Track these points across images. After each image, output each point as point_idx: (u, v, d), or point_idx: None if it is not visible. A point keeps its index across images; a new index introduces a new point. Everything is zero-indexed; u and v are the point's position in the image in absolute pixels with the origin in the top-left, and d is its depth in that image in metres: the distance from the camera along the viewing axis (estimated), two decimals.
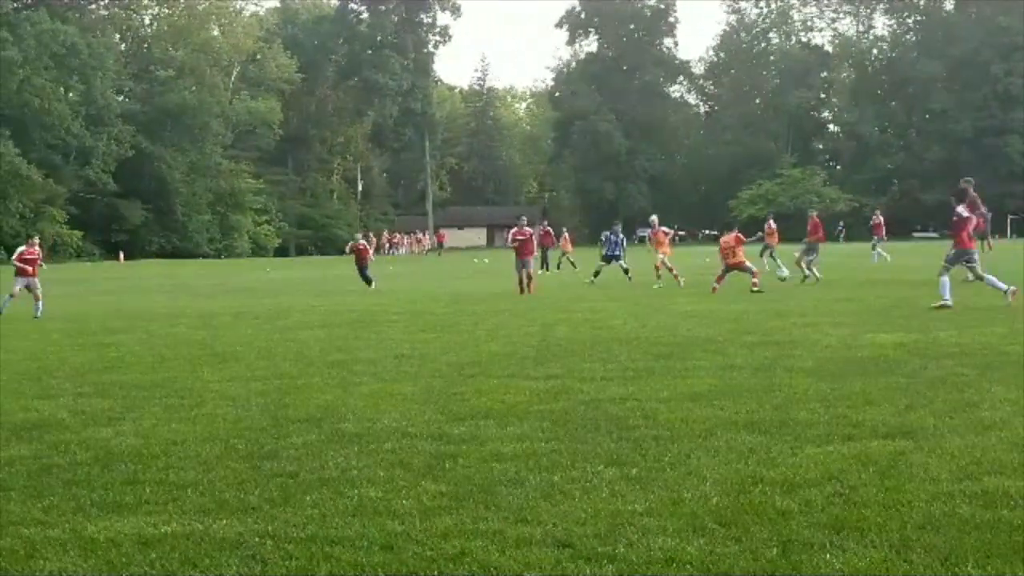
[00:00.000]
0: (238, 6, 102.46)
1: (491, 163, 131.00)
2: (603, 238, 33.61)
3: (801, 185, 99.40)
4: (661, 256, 29.47)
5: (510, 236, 28.41)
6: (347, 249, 34.47)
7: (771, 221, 35.24)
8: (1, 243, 72.75)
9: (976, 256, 19.56)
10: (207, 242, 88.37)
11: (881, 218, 43.57)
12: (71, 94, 79.20)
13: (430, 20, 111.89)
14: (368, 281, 31.29)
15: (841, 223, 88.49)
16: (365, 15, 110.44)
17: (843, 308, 19.05)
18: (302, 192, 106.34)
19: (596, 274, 31.79)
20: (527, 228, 27.77)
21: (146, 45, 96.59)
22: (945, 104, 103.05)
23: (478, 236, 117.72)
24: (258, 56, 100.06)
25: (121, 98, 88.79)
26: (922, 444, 7.29)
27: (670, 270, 28.69)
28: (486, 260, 55.31)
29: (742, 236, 25.68)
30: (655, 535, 5.41)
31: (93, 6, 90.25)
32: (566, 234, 46.95)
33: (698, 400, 9.41)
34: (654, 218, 32.45)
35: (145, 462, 7.44)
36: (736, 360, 12.07)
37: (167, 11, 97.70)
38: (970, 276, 19.80)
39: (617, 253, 32.40)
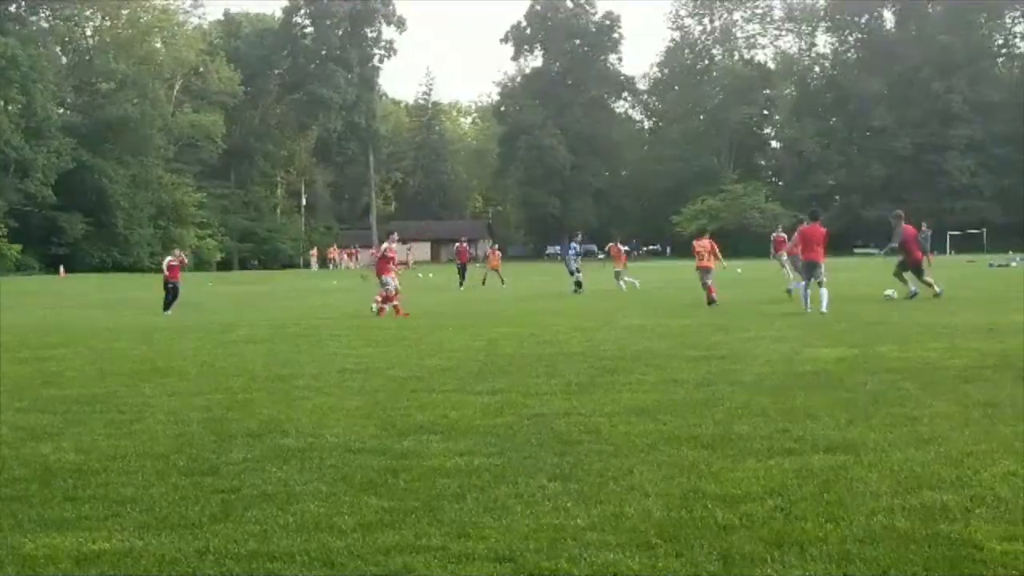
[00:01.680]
0: (181, 19, 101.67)
1: (436, 177, 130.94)
2: (571, 250, 34.19)
3: (744, 200, 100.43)
4: (618, 269, 32.83)
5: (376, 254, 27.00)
6: (164, 267, 30.01)
7: (779, 231, 35.86)
8: None
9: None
10: (149, 256, 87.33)
11: (784, 235, 43.53)
12: (11, 106, 78.12)
13: (375, 34, 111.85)
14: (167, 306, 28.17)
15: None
16: (310, 29, 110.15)
17: (785, 323, 19.23)
18: (245, 206, 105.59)
19: (579, 284, 32.63)
20: (392, 246, 26.45)
21: (88, 57, 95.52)
22: (886, 121, 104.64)
23: (423, 251, 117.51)
24: (201, 69, 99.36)
25: (62, 111, 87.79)
26: (863, 458, 7.37)
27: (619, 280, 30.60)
28: (431, 275, 55.23)
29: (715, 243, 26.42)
30: (598, 549, 5.43)
31: (34, 18, 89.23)
32: (493, 249, 46.81)
33: (641, 414, 9.45)
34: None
35: (85, 478, 7.34)
36: (679, 374, 12.15)
37: (109, 23, 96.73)
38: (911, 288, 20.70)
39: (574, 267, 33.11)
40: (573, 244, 34.98)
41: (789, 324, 18.90)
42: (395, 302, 24.57)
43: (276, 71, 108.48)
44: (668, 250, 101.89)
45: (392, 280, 24.84)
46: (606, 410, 9.74)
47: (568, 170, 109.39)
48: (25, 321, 26.46)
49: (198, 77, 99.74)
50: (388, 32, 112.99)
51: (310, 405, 10.58)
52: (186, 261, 28.45)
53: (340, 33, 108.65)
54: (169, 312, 27.54)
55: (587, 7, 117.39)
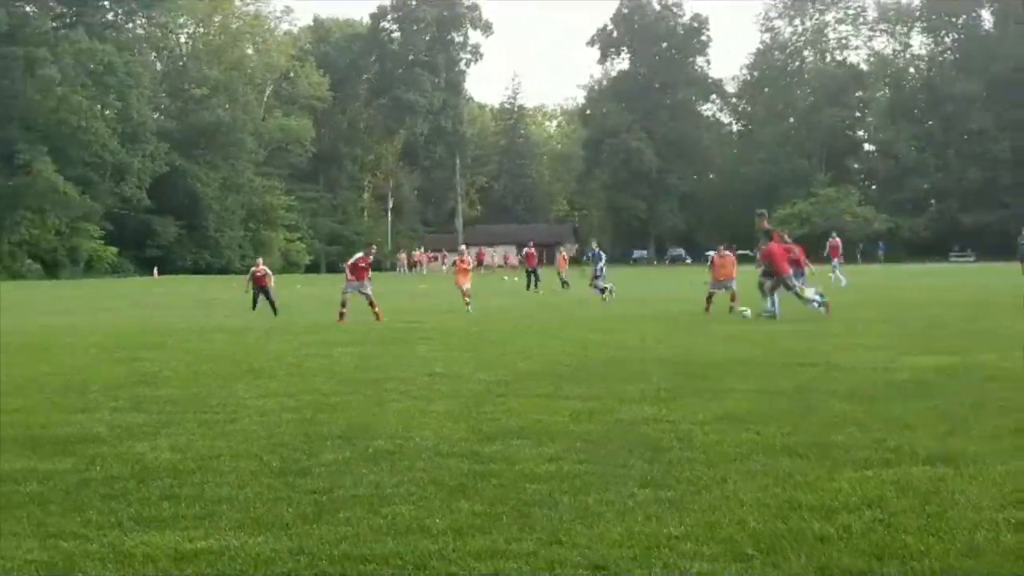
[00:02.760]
0: (272, 25, 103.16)
1: (521, 181, 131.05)
2: (589, 255, 33.98)
3: (835, 205, 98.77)
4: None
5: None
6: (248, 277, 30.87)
7: (834, 236, 35.62)
8: (39, 258, 73.50)
9: (790, 281, 21.78)
10: (239, 258, 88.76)
11: (838, 240, 42.93)
12: (108, 112, 79.91)
13: (461, 39, 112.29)
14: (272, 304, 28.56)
15: (861, 245, 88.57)
16: (397, 34, 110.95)
17: (879, 330, 18.89)
18: (333, 209, 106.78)
19: (603, 291, 32.14)
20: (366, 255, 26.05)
21: (181, 63, 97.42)
22: (984, 123, 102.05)
23: (509, 254, 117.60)
24: (291, 74, 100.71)
25: (156, 116, 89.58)
26: (963, 470, 7.19)
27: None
28: (516, 279, 55.26)
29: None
30: (692, 559, 5.35)
31: (130, 25, 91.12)
32: (563, 253, 46.65)
33: (733, 422, 9.33)
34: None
35: (181, 477, 7.45)
36: (771, 382, 11.98)
37: (202, 30, 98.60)
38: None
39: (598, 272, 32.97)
40: (601, 252, 34.56)
41: (883, 331, 18.56)
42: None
43: (364, 76, 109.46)
44: (757, 255, 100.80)
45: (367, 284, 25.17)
46: (697, 417, 9.63)
47: (654, 173, 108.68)
48: (120, 321, 27.02)
49: (288, 82, 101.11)
50: (475, 36, 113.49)
51: (399, 408, 10.62)
52: (268, 272, 29.30)
53: (427, 38, 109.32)
54: (263, 312, 28.18)
55: (675, 9, 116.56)
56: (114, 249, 78.88)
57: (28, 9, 72.98)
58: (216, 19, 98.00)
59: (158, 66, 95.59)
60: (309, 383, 12.81)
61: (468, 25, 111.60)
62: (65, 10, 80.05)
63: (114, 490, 7.11)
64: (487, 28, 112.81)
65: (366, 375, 13.61)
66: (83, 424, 9.88)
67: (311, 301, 36.16)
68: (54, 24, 76.52)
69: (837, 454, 7.85)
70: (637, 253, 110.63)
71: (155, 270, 77.21)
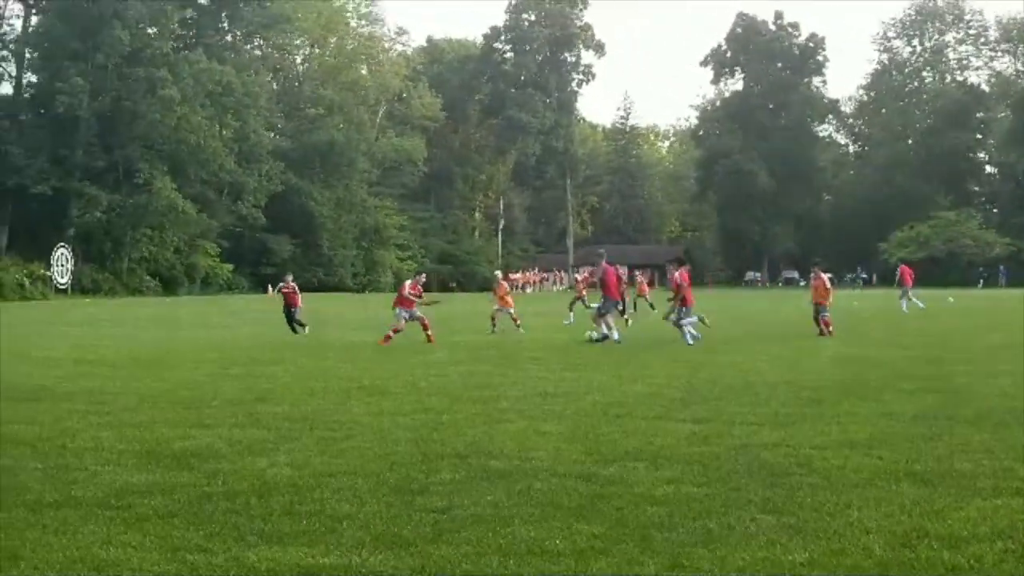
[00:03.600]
0: (386, 46, 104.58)
1: (632, 202, 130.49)
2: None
3: (956, 228, 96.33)
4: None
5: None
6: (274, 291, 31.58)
7: (906, 264, 35.11)
8: (157, 275, 75.37)
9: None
10: (351, 276, 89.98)
11: (909, 268, 41.74)
12: (225, 131, 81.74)
13: (574, 59, 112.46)
14: (299, 325, 28.72)
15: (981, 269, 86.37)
16: (510, 54, 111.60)
17: (1003, 356, 18.35)
18: (444, 228, 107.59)
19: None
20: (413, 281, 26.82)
21: (297, 84, 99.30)
22: None
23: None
24: (404, 94, 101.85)
25: (272, 135, 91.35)
26: None
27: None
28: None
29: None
30: None
31: (248, 46, 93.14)
32: (640, 277, 46.18)
33: (854, 448, 9.14)
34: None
35: (301, 493, 7.53)
36: (892, 407, 11.72)
37: (318, 51, 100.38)
38: None
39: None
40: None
41: (1007, 357, 18.01)
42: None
43: (476, 96, 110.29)
44: (873, 278, 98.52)
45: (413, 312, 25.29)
46: (816, 442, 9.45)
47: (768, 195, 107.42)
48: (235, 338, 27.56)
49: (401, 103, 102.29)
50: (587, 57, 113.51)
51: (513, 428, 10.62)
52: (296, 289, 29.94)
53: (540, 58, 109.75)
54: (299, 331, 28.35)
55: (790, 29, 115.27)
56: (230, 266, 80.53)
57: (150, 31, 74.90)
58: (331, 40, 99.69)
59: (274, 86, 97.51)
60: (422, 401, 12.89)
61: (580, 45, 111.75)
62: (185, 32, 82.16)
63: (236, 505, 7.21)
64: (599, 48, 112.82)
65: (478, 393, 13.65)
66: (202, 439, 10.05)
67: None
68: (175, 45, 78.54)
69: (964, 482, 7.64)
70: (750, 275, 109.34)
71: (268, 287, 78.59)
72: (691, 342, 22.10)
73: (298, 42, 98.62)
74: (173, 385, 15.03)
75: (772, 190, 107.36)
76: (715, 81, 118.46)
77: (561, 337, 25.77)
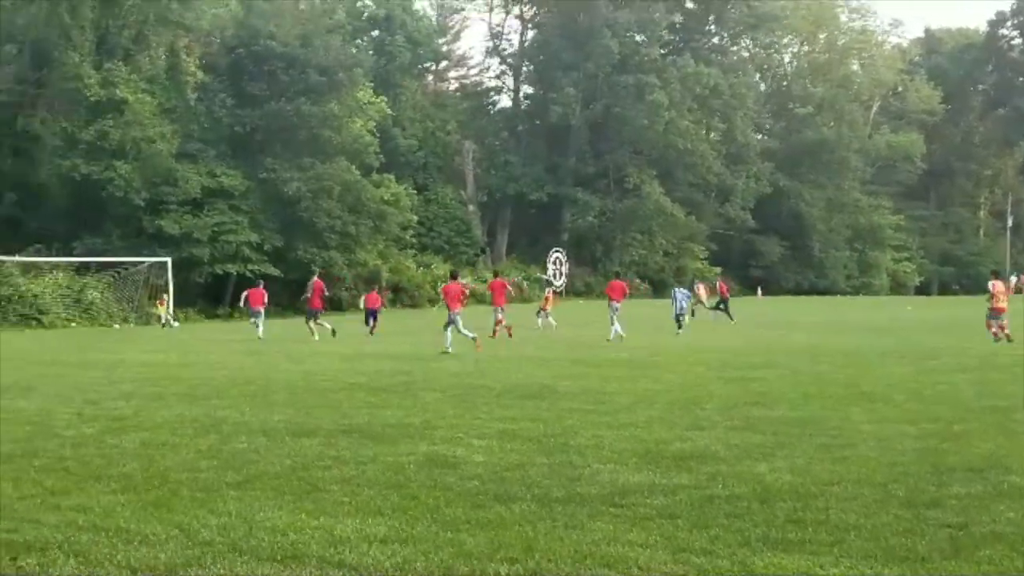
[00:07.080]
0: (879, 39, 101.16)
1: None
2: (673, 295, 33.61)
3: None
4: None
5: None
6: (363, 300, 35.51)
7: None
8: (647, 278, 77.53)
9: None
10: (844, 279, 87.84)
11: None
12: (712, 134, 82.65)
13: None
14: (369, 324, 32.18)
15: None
16: (1017, 40, 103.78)
17: None
18: (944, 227, 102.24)
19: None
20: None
21: (785, 83, 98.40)
22: None
23: None
24: (899, 88, 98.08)
25: (760, 136, 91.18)
26: None
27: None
28: None
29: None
30: None
31: (735, 47, 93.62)
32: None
33: None
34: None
35: (804, 501, 7.34)
36: None
37: (807, 48, 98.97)
38: None
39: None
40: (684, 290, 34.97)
41: None
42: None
43: (980, 86, 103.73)
44: None
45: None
46: None
47: None
48: (732, 343, 27.67)
49: (896, 97, 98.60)
50: None
51: None
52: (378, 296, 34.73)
53: None
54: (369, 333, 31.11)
55: None
56: (717, 269, 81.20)
57: (638, 38, 77.43)
58: (821, 36, 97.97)
59: (761, 86, 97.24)
60: (929, 410, 12.19)
61: None
62: (673, 37, 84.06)
63: (738, 509, 7.15)
64: None
65: (991, 403, 12.73)
66: (699, 441, 10.08)
67: (922, 325, 34.82)
68: (662, 51, 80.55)
69: None
70: None
71: (759, 290, 78.41)
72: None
73: (786, 40, 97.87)
74: (666, 387, 15.24)
75: None
76: None
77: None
